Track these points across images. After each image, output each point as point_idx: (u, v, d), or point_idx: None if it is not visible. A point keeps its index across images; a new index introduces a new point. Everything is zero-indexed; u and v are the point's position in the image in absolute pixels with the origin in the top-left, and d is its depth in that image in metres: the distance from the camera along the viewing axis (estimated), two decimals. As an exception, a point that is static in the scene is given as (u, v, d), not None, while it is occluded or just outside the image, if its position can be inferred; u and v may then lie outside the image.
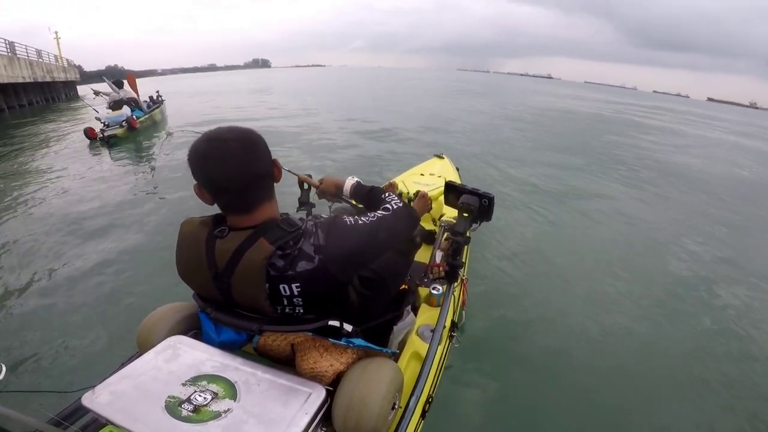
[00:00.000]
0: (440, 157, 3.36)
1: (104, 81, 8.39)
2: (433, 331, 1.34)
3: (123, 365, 0.91)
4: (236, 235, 0.81)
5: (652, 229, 4.01)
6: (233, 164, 0.77)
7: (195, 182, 0.82)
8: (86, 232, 3.47)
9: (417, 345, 1.31)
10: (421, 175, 2.85)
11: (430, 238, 1.98)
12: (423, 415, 1.13)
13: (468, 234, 1.66)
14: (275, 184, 0.89)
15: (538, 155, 7.01)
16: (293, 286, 0.80)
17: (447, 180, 1.76)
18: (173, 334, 0.96)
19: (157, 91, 10.00)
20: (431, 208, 1.73)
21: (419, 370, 1.15)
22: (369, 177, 4.66)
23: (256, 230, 0.81)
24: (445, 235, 1.80)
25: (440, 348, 1.32)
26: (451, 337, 1.49)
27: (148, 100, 9.34)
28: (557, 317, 2.42)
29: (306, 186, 1.53)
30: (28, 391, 0.77)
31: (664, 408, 1.82)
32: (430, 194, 1.69)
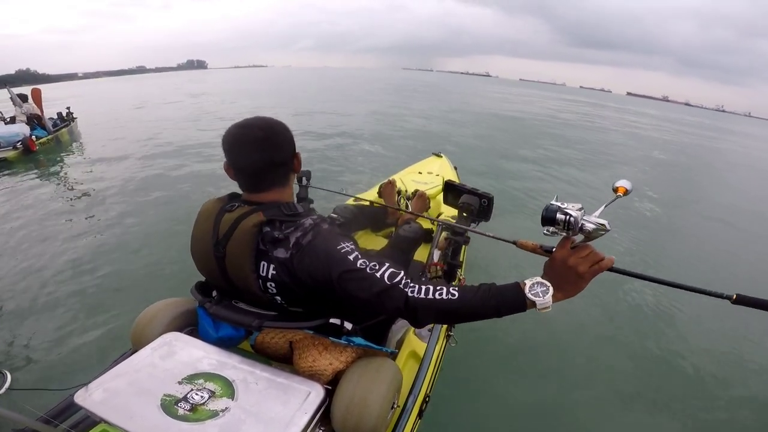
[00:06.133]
0: (438, 155, 3.35)
1: (6, 89, 7.12)
2: (430, 330, 1.34)
3: (117, 362, 0.89)
4: (242, 208, 0.87)
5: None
6: (253, 149, 0.85)
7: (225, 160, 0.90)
8: (79, 229, 3.42)
9: (414, 344, 1.30)
10: (419, 173, 2.85)
11: (428, 237, 1.98)
12: (420, 414, 1.12)
13: (467, 234, 1.65)
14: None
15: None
16: (270, 267, 0.83)
17: (446, 179, 1.75)
18: (169, 331, 0.94)
19: (68, 108, 8.47)
20: (429, 207, 1.71)
21: (417, 370, 1.14)
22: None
23: (258, 206, 0.86)
24: (443, 234, 1.79)
25: (437, 347, 1.31)
26: (448, 336, 1.48)
27: (56, 117, 8.00)
28: (555, 316, 2.43)
29: (305, 182, 1.53)
30: (18, 388, 0.75)
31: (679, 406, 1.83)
32: (428, 193, 1.67)
